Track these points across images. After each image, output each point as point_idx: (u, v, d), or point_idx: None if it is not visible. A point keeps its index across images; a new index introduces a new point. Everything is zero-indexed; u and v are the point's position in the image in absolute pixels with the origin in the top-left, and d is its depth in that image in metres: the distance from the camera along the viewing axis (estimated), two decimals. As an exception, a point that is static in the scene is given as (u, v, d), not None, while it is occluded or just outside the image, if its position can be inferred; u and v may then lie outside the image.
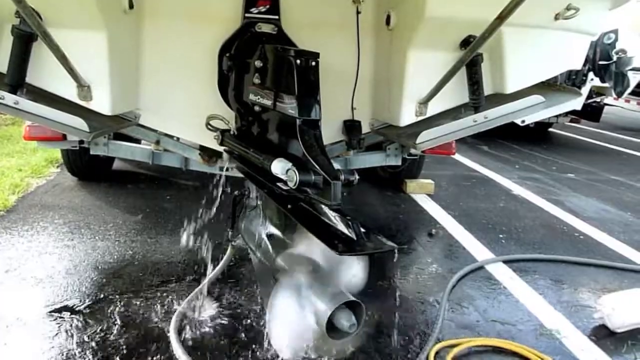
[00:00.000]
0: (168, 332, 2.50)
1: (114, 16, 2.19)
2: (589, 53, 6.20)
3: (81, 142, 3.85)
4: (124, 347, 2.39)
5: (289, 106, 1.99)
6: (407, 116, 2.49)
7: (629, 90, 7.94)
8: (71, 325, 2.53)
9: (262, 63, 2.23)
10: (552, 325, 2.90)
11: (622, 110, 12.07)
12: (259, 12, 2.41)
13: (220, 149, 2.66)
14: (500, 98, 2.51)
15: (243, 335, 2.54)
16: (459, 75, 2.24)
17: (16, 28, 1.99)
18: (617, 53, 6.96)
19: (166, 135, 3.26)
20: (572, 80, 7.24)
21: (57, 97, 2.22)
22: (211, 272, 3.02)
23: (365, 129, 2.78)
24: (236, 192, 2.81)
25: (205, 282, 2.93)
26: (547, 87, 2.88)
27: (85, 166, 4.86)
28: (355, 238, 1.69)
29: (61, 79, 2.08)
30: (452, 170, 6.62)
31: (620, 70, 7.04)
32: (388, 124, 2.71)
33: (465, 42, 2.32)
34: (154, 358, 2.33)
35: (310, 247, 1.99)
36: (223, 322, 2.65)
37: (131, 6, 2.25)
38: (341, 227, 1.74)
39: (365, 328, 1.79)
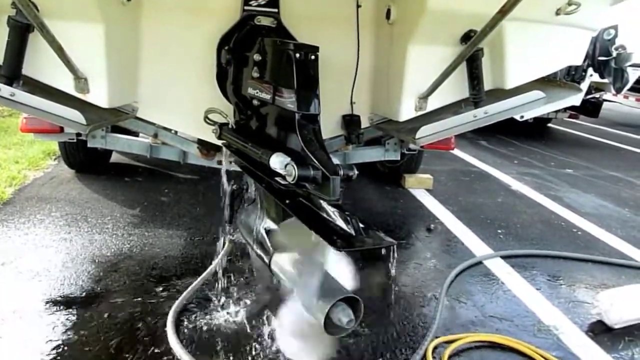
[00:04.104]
0: (165, 326, 2.50)
1: (111, 8, 2.17)
2: (588, 49, 6.19)
3: (79, 134, 3.84)
4: (121, 341, 2.38)
5: (288, 100, 1.98)
6: (407, 111, 2.48)
7: (628, 86, 7.94)
8: (67, 319, 2.52)
9: (261, 56, 2.21)
10: (549, 321, 2.90)
11: (621, 106, 12.10)
12: (259, 5, 2.39)
13: (219, 142, 2.65)
14: (500, 93, 2.50)
15: (241, 329, 2.54)
16: (459, 70, 2.23)
17: (12, 19, 1.97)
18: (616, 49, 6.95)
19: (164, 128, 3.25)
20: (571, 76, 7.21)
21: (53, 89, 2.20)
22: (209, 267, 3.02)
23: (364, 123, 2.77)
24: (234, 186, 2.80)
25: (203, 276, 2.92)
26: (547, 82, 2.87)
27: (82, 159, 4.83)
28: (354, 233, 1.68)
29: (58, 71, 2.07)
30: (450, 165, 6.61)
31: (620, 66, 7.03)
32: (387, 118, 2.69)
33: (466, 37, 2.31)
34: (151, 352, 2.32)
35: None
36: (221, 316, 2.64)
37: (129, -3, 2.23)
38: (340, 222, 1.73)
39: (363, 323, 1.77)
